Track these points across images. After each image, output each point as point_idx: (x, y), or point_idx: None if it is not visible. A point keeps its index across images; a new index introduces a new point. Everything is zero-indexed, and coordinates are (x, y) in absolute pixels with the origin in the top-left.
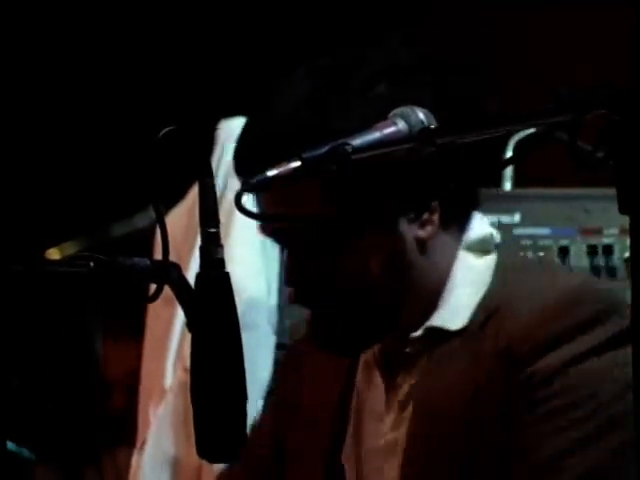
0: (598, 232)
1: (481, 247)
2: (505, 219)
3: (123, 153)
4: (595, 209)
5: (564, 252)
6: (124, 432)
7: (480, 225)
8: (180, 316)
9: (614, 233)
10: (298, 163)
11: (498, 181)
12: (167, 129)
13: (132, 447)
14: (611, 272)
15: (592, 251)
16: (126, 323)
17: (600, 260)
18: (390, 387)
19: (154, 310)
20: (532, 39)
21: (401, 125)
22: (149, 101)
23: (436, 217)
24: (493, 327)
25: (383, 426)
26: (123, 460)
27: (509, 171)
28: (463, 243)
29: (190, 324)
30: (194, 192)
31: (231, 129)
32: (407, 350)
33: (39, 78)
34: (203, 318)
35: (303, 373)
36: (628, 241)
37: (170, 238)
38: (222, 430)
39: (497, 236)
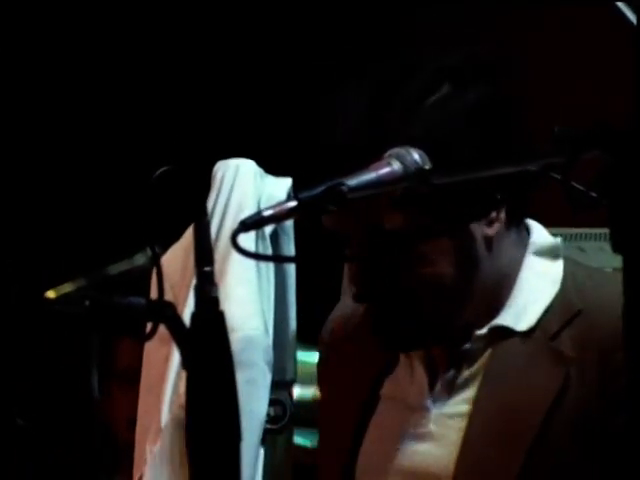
0: None
1: (551, 252)
2: None
3: (120, 194)
4: (590, 248)
5: None
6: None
7: (542, 232)
8: (176, 354)
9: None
10: (295, 203)
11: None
12: (162, 169)
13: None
14: None
15: None
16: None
17: None
18: (437, 381)
19: (150, 348)
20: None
21: (396, 166)
22: (147, 141)
23: (502, 215)
24: (575, 331)
25: (422, 418)
26: None
27: None
28: (531, 247)
29: (185, 363)
30: (190, 232)
31: (227, 170)
32: (468, 346)
33: (37, 113)
34: (198, 357)
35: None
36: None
37: (167, 277)
38: (216, 469)
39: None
